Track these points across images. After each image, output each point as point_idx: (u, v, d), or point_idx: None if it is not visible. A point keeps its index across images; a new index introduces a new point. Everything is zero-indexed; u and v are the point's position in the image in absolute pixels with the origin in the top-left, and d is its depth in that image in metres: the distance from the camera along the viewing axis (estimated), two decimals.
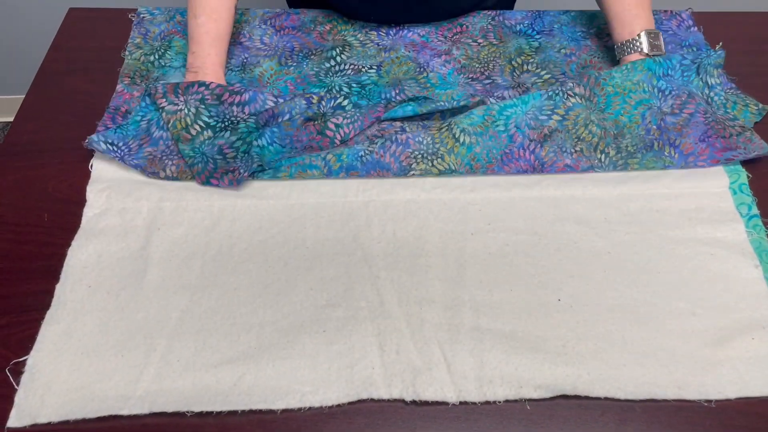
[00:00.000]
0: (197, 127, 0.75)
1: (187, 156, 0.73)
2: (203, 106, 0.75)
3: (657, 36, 0.81)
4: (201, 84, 0.76)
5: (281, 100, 0.76)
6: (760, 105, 0.82)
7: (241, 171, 0.71)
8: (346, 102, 0.78)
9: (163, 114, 0.76)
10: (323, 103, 0.77)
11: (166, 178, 0.74)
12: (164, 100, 0.76)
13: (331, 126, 0.74)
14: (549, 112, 0.76)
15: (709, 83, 0.82)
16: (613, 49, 0.89)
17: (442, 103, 0.78)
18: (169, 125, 0.75)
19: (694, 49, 0.89)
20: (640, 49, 0.80)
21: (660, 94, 0.79)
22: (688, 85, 0.81)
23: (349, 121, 0.75)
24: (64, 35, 0.92)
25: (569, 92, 0.76)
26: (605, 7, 0.84)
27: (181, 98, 0.76)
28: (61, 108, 0.83)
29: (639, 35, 0.80)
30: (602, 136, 0.75)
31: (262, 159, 0.73)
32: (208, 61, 0.79)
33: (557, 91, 0.76)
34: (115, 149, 0.75)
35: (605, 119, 0.76)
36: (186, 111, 0.75)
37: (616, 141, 0.75)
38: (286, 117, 0.74)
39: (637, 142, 0.76)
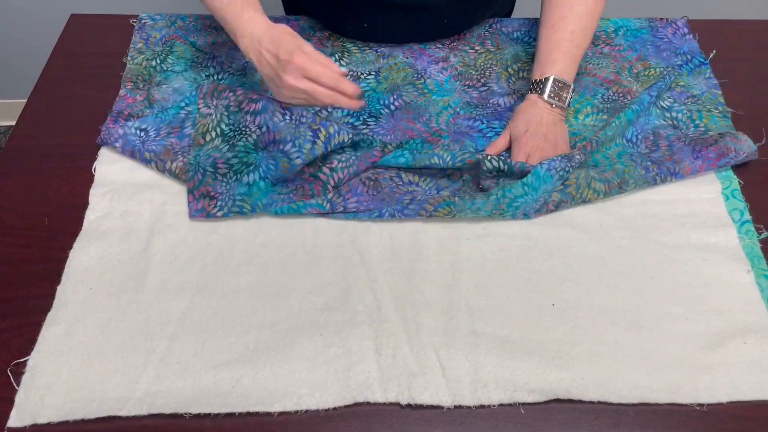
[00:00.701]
0: (213, 133, 0.76)
1: (189, 163, 0.74)
2: (226, 113, 0.77)
3: (565, 87, 0.77)
4: (230, 89, 0.78)
5: (288, 117, 0.73)
6: (720, 108, 0.83)
7: (217, 206, 0.71)
8: (349, 142, 0.73)
9: (198, 116, 0.78)
10: (329, 144, 0.71)
11: (168, 171, 0.75)
12: (202, 101, 0.78)
13: (326, 170, 0.73)
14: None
15: (664, 106, 0.83)
16: (608, 56, 0.90)
17: (436, 162, 0.73)
18: (196, 127, 0.77)
19: (689, 57, 0.90)
20: (540, 92, 0.77)
21: (629, 143, 0.79)
22: (648, 118, 0.81)
23: (344, 165, 0.73)
24: (66, 41, 0.93)
25: (575, 165, 0.72)
26: (536, 45, 0.82)
27: (214, 102, 0.78)
28: (63, 113, 0.84)
29: (546, 78, 0.77)
30: (607, 191, 0.73)
31: (246, 201, 0.72)
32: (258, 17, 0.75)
33: (566, 168, 0.71)
34: (141, 134, 0.77)
35: (604, 170, 0.75)
36: (212, 116, 0.77)
37: (621, 189, 0.74)
38: (288, 146, 0.71)
39: (641, 184, 0.74)
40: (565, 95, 0.78)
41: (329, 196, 0.73)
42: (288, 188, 0.72)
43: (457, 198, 0.71)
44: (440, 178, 0.75)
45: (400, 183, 0.75)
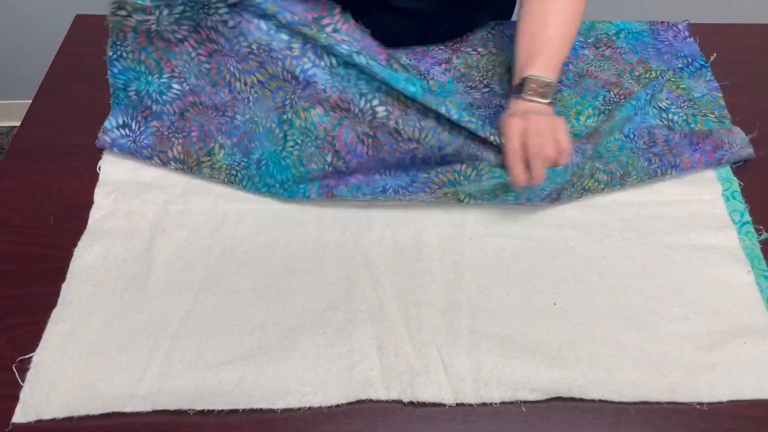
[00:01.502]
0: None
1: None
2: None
3: (544, 85, 0.72)
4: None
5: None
6: (716, 113, 0.84)
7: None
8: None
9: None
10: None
11: (174, 160, 0.76)
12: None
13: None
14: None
15: (662, 107, 0.84)
16: (609, 59, 0.91)
17: (443, 112, 0.70)
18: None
19: (689, 60, 0.91)
20: (519, 93, 0.73)
21: (627, 139, 0.80)
22: (645, 117, 0.82)
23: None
24: (70, 42, 0.94)
25: (588, 157, 0.73)
26: (514, 58, 0.78)
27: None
28: (67, 113, 0.84)
29: (523, 79, 0.73)
30: (609, 182, 0.74)
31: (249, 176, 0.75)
32: None
33: (579, 163, 0.72)
34: (128, 132, 0.77)
35: (608, 162, 0.76)
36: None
37: (623, 181, 0.74)
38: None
39: (643, 176, 0.75)
40: (546, 91, 0.73)
41: (329, 159, 0.72)
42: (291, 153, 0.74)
43: (462, 178, 0.71)
44: (442, 132, 0.72)
45: (400, 140, 0.72)
